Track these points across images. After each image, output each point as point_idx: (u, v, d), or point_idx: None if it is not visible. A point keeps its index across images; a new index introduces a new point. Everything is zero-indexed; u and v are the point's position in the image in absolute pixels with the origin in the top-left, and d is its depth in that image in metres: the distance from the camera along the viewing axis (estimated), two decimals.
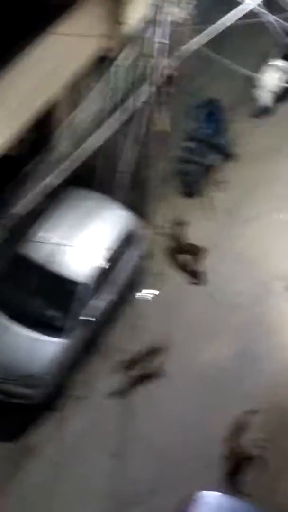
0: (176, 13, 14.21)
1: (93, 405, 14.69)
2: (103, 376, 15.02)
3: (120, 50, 13.98)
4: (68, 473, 13.64)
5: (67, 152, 12.73)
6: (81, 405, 14.66)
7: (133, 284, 15.07)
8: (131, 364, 14.67)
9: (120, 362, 14.68)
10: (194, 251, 16.27)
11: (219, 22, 13.10)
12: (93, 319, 14.53)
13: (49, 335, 14.22)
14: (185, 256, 16.41)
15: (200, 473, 14.00)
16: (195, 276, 16.32)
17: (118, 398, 14.25)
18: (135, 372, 14.61)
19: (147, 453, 14.17)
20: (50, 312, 14.50)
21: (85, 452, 14.13)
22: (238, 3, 12.67)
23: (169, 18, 13.95)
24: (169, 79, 14.99)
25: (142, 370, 14.69)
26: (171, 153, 17.47)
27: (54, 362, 14.12)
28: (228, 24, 13.02)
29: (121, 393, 14.34)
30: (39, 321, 14.35)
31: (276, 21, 13.65)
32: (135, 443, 13.22)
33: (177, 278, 16.44)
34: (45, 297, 14.57)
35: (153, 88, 13.51)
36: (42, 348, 14.07)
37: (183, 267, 16.40)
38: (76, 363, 14.18)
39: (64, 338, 14.25)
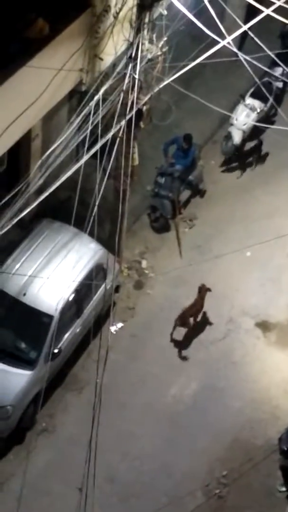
0: (150, 49, 14.35)
1: (59, 438, 14.64)
2: (69, 409, 14.98)
3: (95, 85, 14.08)
4: (31, 507, 13.51)
5: (41, 185, 12.75)
6: (47, 438, 14.59)
7: (102, 317, 15.06)
8: None
9: None
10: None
11: (193, 59, 13.21)
12: (61, 352, 14.49)
13: (17, 367, 14.15)
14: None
15: (164, 510, 13.99)
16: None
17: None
18: None
19: (111, 488, 14.12)
20: (19, 344, 14.44)
21: (49, 486, 14.04)
22: (213, 42, 12.79)
23: (143, 54, 14.06)
24: (142, 114, 15.11)
25: None
26: (143, 188, 17.63)
27: (21, 395, 14.04)
28: (202, 61, 13.11)
29: None
30: (7, 353, 14.28)
31: (248, 61, 13.79)
32: (100, 478, 13.13)
33: (146, 311, 16.48)
34: (14, 329, 14.51)
35: (126, 123, 13.60)
36: (10, 380, 14.00)
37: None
38: (43, 396, 14.08)
39: (32, 370, 14.18)
